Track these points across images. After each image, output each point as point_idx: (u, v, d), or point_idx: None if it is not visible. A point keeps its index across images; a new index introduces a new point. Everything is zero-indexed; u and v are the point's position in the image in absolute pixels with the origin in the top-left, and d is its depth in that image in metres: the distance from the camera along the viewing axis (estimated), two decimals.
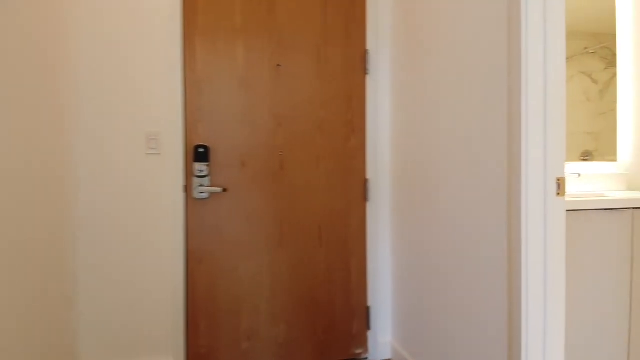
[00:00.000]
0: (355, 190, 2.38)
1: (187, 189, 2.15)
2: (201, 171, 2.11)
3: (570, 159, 2.47)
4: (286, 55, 2.30)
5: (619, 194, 2.36)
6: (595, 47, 2.33)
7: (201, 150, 2.12)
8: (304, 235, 2.32)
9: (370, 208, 2.40)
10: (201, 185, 2.12)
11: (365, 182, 2.39)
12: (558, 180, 1.41)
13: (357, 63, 2.39)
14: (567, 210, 1.96)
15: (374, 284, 2.40)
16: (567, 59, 2.28)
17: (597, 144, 2.33)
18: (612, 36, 2.42)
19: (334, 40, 2.35)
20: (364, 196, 2.40)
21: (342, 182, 2.37)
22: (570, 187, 2.49)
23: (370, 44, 2.38)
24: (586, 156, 2.34)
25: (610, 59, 2.37)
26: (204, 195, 2.13)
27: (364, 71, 2.39)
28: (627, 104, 2.56)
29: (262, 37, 2.26)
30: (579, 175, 2.31)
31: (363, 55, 2.39)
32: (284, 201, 2.29)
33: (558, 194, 1.41)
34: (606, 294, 1.99)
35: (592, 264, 1.99)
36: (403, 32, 2.25)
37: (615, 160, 2.52)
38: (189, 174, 2.15)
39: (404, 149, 2.24)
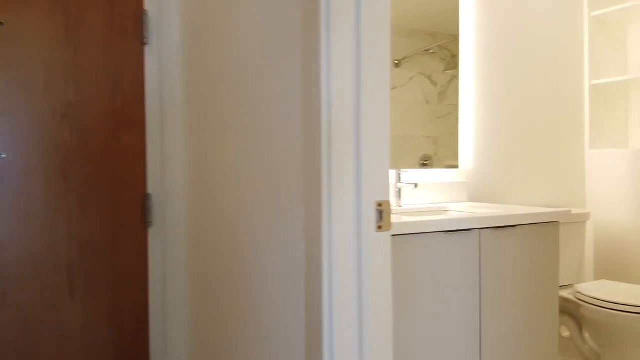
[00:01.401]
0: (129, 210, 1.66)
1: None
2: None
3: (409, 165, 2.06)
4: (13, 8, 1.49)
5: (463, 207, 1.98)
6: (435, 48, 2.00)
7: None
8: (42, 282, 1.53)
9: (155, 236, 1.69)
10: None
11: (145, 198, 1.68)
12: (379, 205, 0.85)
13: (128, 27, 1.67)
14: (404, 235, 1.47)
15: (161, 346, 1.69)
16: (406, 58, 1.96)
17: (437, 148, 2.00)
18: (451, 37, 2.10)
19: None
20: (143, 219, 1.68)
21: (108, 200, 1.63)
22: (408, 200, 2.06)
23: (149, 2, 1.68)
24: (426, 161, 1.99)
25: (448, 61, 2.08)
26: None
27: (141, 40, 1.68)
28: (467, 108, 2.23)
29: None
30: (416, 185, 1.88)
31: (139, 17, 1.68)
32: (4, 232, 1.48)
33: (380, 227, 0.85)
34: (454, 321, 1.54)
35: (434, 290, 1.53)
36: None
37: (457, 167, 2.17)
38: None
39: (201, 153, 1.58)
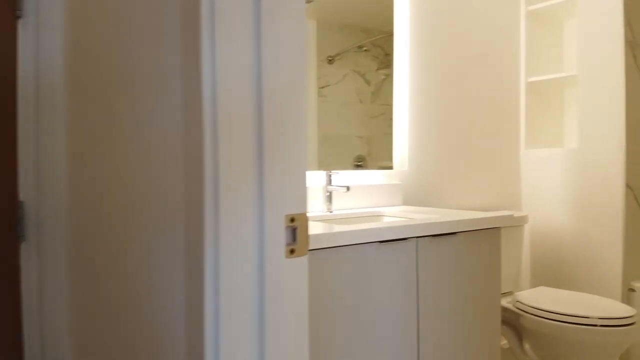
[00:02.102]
0: None
1: None
2: None
3: (343, 166, 1.88)
4: None
5: (398, 212, 1.80)
6: (368, 45, 1.86)
7: None
8: None
9: (28, 252, 1.37)
10: None
11: (15, 207, 1.36)
12: (292, 221, 0.62)
13: None
14: (335, 247, 1.26)
15: None
16: (339, 55, 1.82)
17: (370, 149, 1.86)
18: (385, 33, 1.97)
19: None
20: (13, 232, 1.36)
21: None
22: (340, 204, 1.86)
23: None
24: (359, 161, 1.83)
25: (382, 59, 1.99)
26: None
27: (14, 12, 1.36)
28: (401, 107, 2.08)
29: None
30: (348, 189, 1.68)
31: None
32: None
33: (292, 251, 0.62)
34: (390, 336, 1.35)
35: (367, 305, 1.32)
36: None
37: (391, 168, 2.01)
38: None
39: (86, 153, 1.28)
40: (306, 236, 0.63)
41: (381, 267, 1.35)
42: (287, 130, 0.62)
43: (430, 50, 2.17)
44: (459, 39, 2.26)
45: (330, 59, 1.87)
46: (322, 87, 1.81)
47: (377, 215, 1.83)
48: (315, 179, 1.82)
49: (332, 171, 1.80)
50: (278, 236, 0.60)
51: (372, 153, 1.96)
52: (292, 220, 0.61)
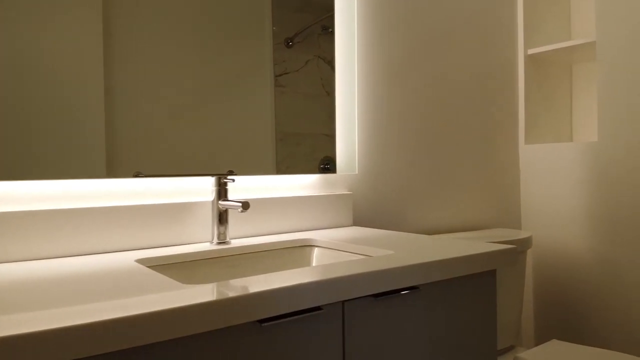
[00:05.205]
0: None
1: None
2: None
3: (309, 170, 1.43)
4: None
5: (339, 239, 1.13)
6: (333, 26, 1.52)
7: None
8: None
9: None
10: None
11: None
12: None
13: None
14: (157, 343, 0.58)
15: None
16: (300, 35, 1.51)
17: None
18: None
19: None
20: None
21: None
22: (251, 225, 1.19)
23: None
24: (327, 164, 1.35)
25: None
26: None
27: None
28: (345, 93, 1.51)
29: None
30: (244, 206, 1.02)
31: None
32: None
33: None
34: None
35: None
36: None
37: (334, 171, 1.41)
38: None
39: None
40: None
41: (270, 355, 0.68)
42: None
43: (389, 19, 1.52)
44: (431, 3, 1.61)
45: (288, 41, 1.40)
46: (280, 75, 1.42)
47: (304, 246, 1.16)
48: (200, 186, 1.15)
49: (229, 176, 1.13)
50: None
51: None
52: None
